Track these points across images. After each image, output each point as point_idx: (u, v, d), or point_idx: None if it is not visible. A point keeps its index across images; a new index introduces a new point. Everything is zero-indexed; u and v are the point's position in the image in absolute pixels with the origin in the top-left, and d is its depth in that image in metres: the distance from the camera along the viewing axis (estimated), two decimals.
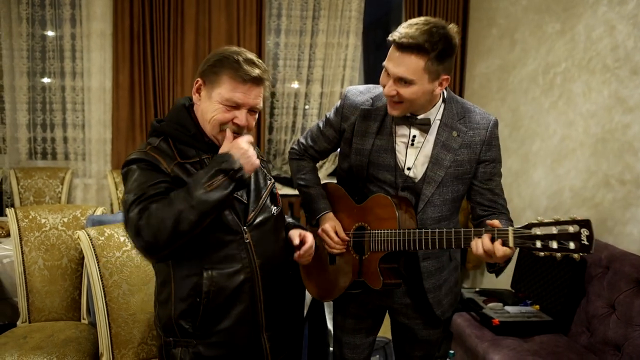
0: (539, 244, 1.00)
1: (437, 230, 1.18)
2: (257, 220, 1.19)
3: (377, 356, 2.28)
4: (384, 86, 1.23)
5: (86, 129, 3.34)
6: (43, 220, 1.99)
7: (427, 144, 1.29)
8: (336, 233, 1.35)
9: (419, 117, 1.28)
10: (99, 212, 2.09)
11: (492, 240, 1.07)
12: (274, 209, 1.25)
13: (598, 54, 2.22)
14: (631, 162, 2.02)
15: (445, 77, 1.21)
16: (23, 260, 1.94)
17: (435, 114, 1.29)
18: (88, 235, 1.56)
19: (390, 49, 1.20)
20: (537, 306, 2.16)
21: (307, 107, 3.53)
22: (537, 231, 1.00)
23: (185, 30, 3.28)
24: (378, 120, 1.32)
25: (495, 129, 1.31)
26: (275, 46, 3.49)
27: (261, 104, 1.18)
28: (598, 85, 2.21)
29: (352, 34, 3.42)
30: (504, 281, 2.75)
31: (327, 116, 1.44)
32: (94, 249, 1.55)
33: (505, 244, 1.05)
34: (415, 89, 1.18)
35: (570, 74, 2.39)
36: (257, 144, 3.17)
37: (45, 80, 3.35)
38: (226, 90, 1.11)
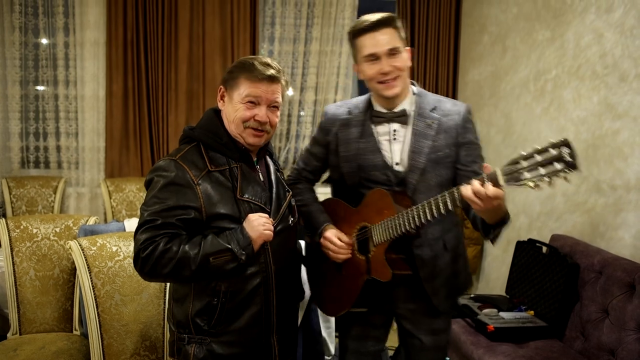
0: (527, 174, 1.01)
1: (431, 199, 1.19)
2: (277, 229, 1.24)
3: None
4: (378, 72, 1.29)
5: (79, 137, 3.33)
6: (35, 230, 1.97)
7: (407, 135, 1.35)
8: (339, 239, 1.36)
9: (396, 110, 1.35)
10: (91, 221, 2.08)
11: (482, 185, 1.08)
12: (291, 219, 1.32)
13: (587, 61, 2.25)
14: (621, 168, 2.04)
15: (408, 48, 1.34)
16: (14, 271, 1.92)
17: (410, 106, 1.36)
18: (80, 245, 1.55)
19: (361, 39, 1.30)
20: (532, 312, 2.16)
21: (301, 113, 3.55)
22: (524, 163, 1.02)
23: (179, 37, 3.28)
24: (358, 125, 1.39)
25: (468, 114, 1.37)
26: (269, 54, 3.50)
27: (280, 100, 1.26)
28: (588, 92, 2.24)
29: (346, 42, 3.44)
30: (498, 287, 2.76)
31: (313, 136, 1.51)
32: (86, 259, 1.54)
33: (496, 184, 1.06)
34: (403, 57, 1.31)
35: (561, 80, 2.42)
36: None
37: (38, 88, 3.34)
38: (244, 89, 1.21)
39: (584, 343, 1.93)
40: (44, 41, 3.29)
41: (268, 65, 1.23)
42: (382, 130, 1.36)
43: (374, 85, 1.32)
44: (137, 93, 3.28)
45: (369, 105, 1.40)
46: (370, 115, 1.38)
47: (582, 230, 2.22)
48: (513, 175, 1.03)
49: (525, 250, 2.35)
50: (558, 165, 0.97)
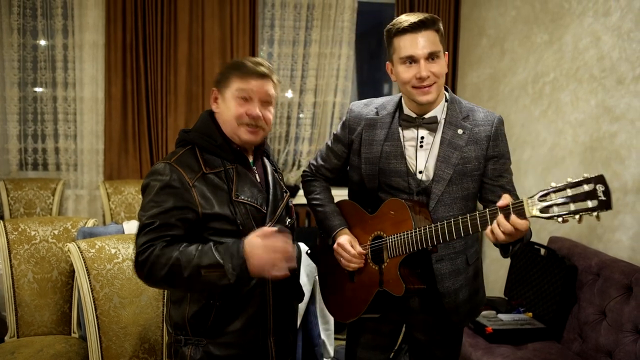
0: (556, 210, 0.96)
1: (451, 219, 1.15)
2: None
3: None
4: (414, 76, 1.22)
5: (78, 139, 3.32)
6: (33, 233, 1.96)
7: (435, 144, 1.29)
8: (352, 247, 1.33)
9: (426, 116, 1.30)
10: (90, 224, 2.08)
11: (508, 217, 1.03)
12: (288, 220, 1.31)
13: (585, 64, 2.26)
14: (618, 170, 2.05)
15: (446, 53, 1.28)
16: (12, 274, 1.92)
17: (441, 113, 1.31)
18: (78, 247, 1.55)
19: (400, 39, 1.23)
20: (530, 313, 2.17)
21: (301, 115, 3.55)
22: (553, 197, 0.97)
23: (179, 40, 3.28)
24: (385, 127, 1.33)
25: (501, 126, 1.31)
26: (268, 56, 3.51)
27: (272, 94, 1.25)
28: (586, 95, 2.25)
29: (345, 44, 3.45)
30: (497, 289, 2.76)
31: (335, 133, 1.45)
32: (85, 262, 1.54)
33: (522, 216, 1.01)
34: (442, 62, 1.25)
35: (559, 83, 2.43)
36: None
37: (37, 90, 3.33)
38: (236, 86, 1.21)
39: (581, 345, 1.93)
40: (43, 43, 3.29)
41: (259, 63, 1.23)
42: (408, 135, 1.31)
43: (407, 89, 1.26)
44: (136, 95, 3.27)
45: (398, 107, 1.34)
46: (398, 118, 1.32)
47: (580, 232, 2.23)
48: (541, 209, 0.98)
49: (524, 252, 2.36)
50: (590, 204, 0.93)
